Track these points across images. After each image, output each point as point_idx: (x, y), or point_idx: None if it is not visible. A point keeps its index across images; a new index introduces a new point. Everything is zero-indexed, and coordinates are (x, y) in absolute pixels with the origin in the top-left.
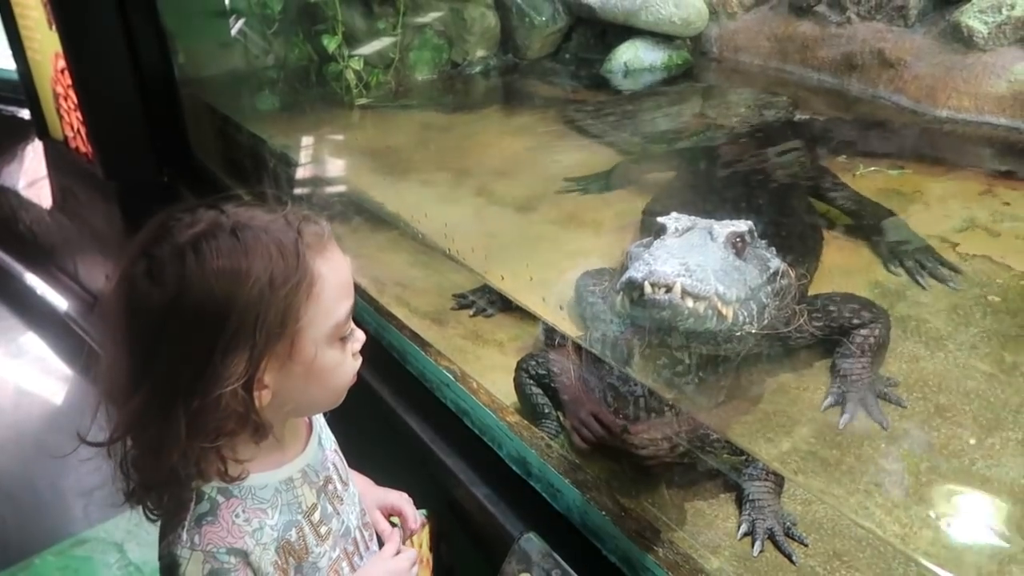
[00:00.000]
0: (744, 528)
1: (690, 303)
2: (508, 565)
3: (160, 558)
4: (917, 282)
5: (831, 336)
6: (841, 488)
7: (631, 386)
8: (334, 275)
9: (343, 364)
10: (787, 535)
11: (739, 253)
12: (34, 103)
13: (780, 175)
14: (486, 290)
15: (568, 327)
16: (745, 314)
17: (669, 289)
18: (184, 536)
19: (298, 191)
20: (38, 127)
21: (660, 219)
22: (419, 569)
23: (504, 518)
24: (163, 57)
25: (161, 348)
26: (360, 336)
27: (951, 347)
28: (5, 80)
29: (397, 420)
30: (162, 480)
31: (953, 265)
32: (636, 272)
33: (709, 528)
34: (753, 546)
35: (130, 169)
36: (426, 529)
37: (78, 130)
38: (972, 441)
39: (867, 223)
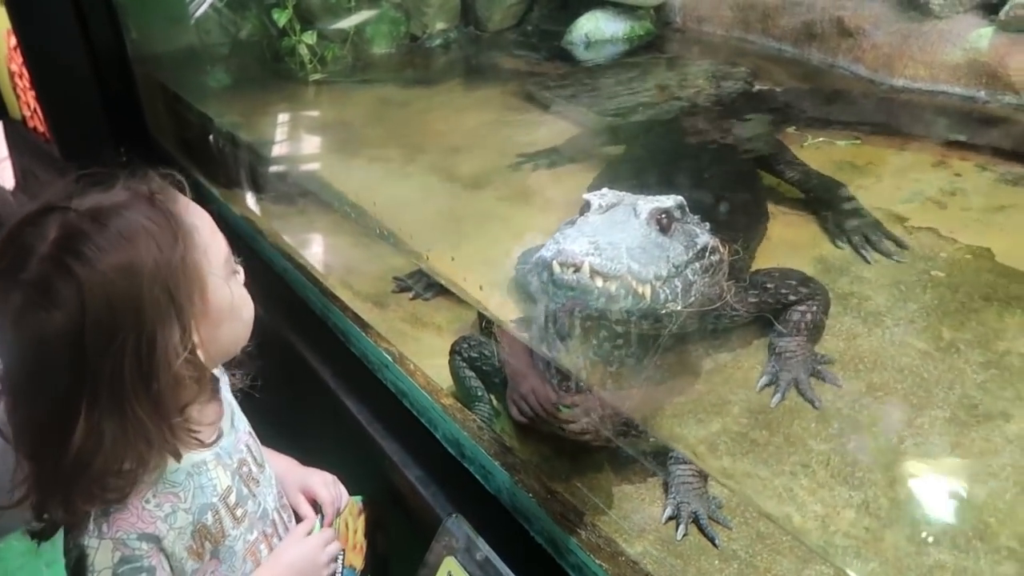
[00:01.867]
0: (669, 512)
1: (600, 282)
2: (435, 546)
3: (66, 552)
4: (862, 256)
5: (768, 313)
6: (767, 469)
7: (557, 368)
8: (198, 218)
9: (244, 294)
10: (711, 518)
11: (664, 229)
12: None
13: (730, 148)
14: (423, 274)
15: (509, 308)
16: (668, 292)
17: (578, 269)
18: (91, 526)
19: (246, 171)
20: None
21: (585, 195)
22: (351, 555)
23: (435, 500)
24: (116, 34)
25: (91, 363)
26: (242, 270)
27: (889, 323)
28: None
29: (338, 402)
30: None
31: (899, 239)
32: (546, 251)
33: (636, 512)
34: (677, 530)
35: (87, 149)
36: (362, 516)
37: (35, 109)
38: (901, 420)
39: (815, 197)
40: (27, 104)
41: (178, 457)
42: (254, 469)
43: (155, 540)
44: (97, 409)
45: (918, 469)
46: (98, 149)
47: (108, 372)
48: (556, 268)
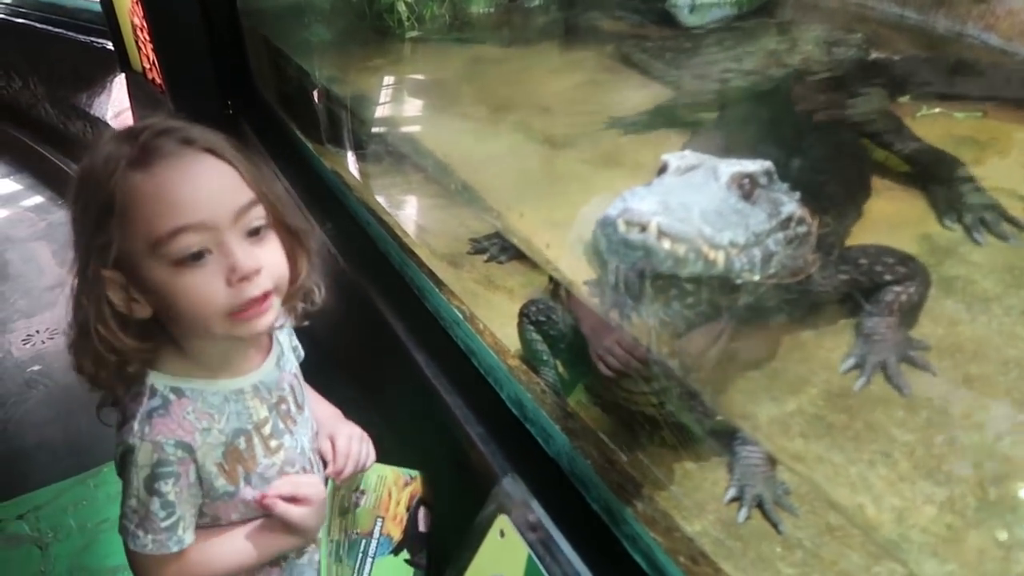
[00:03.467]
0: (732, 493)
1: (667, 244)
2: (489, 504)
3: (116, 446)
4: (973, 239)
5: (860, 290)
6: (843, 455)
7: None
8: (157, 189)
9: (193, 289)
10: (777, 504)
11: (746, 195)
12: (116, 36)
13: (834, 117)
14: (500, 236)
15: (583, 272)
16: (745, 261)
17: (644, 228)
18: (136, 427)
19: (339, 126)
20: (120, 59)
21: (663, 156)
22: (390, 524)
23: (493, 459)
24: None
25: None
26: (239, 265)
27: (997, 311)
28: (96, 13)
29: (409, 356)
30: (104, 371)
31: (1019, 221)
32: (612, 209)
33: (697, 490)
34: (739, 512)
35: (197, 101)
36: (407, 489)
37: (153, 62)
38: (1001, 415)
39: (926, 172)
40: (147, 57)
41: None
42: (293, 409)
43: (189, 449)
44: (73, 269)
45: (1015, 469)
46: (207, 102)
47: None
48: (621, 226)
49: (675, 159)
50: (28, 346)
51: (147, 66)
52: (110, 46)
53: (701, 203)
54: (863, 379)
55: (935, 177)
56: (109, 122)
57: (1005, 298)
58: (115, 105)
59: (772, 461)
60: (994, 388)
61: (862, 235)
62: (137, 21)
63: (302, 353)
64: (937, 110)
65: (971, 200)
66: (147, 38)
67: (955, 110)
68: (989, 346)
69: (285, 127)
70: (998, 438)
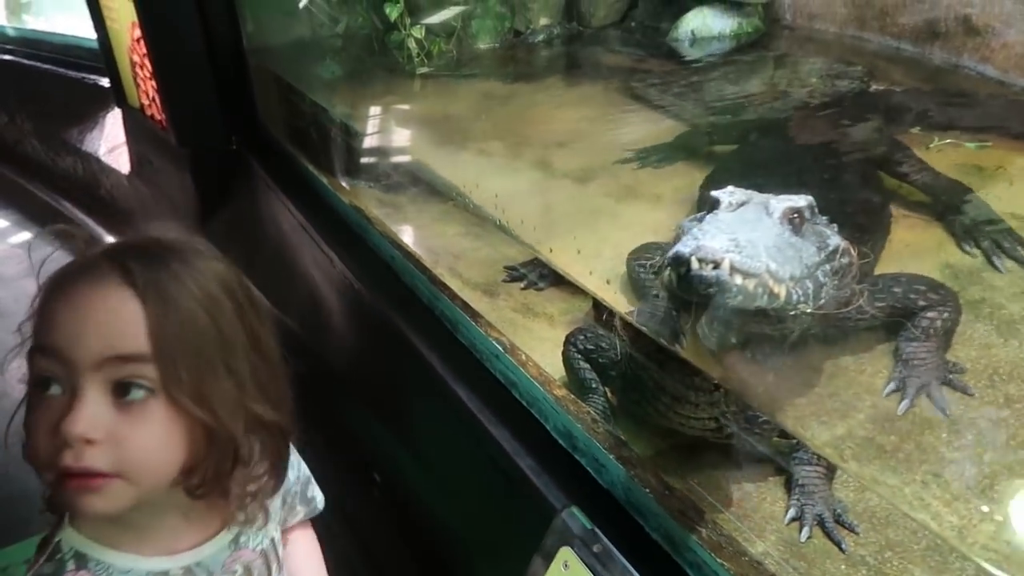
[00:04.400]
0: (792, 513)
1: (739, 280)
2: (548, 539)
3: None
4: (993, 264)
5: (895, 318)
6: (896, 477)
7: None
8: (44, 298)
9: (30, 420)
10: (837, 522)
11: (796, 229)
12: (113, 71)
13: (848, 149)
14: (537, 263)
15: (618, 301)
16: (800, 293)
17: (717, 265)
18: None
19: (356, 160)
20: (116, 95)
21: (714, 192)
22: None
23: (547, 491)
24: (233, 25)
25: None
26: (64, 423)
27: None
28: (88, 49)
29: (447, 390)
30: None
31: None
32: (684, 247)
33: (755, 511)
34: (801, 531)
35: (201, 136)
36: None
37: (153, 98)
38: None
39: (941, 200)
40: (146, 93)
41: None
42: None
43: None
44: None
45: None
46: (211, 137)
47: None
48: (695, 264)
49: (726, 195)
50: (24, 385)
51: (146, 102)
52: (103, 82)
53: (764, 239)
54: (906, 402)
55: (951, 205)
56: (101, 158)
57: None
58: (108, 141)
59: (830, 479)
60: None
61: (887, 263)
62: (137, 59)
63: (319, 506)
64: (948, 140)
65: (987, 227)
66: (147, 75)
67: (963, 140)
68: (1023, 367)
69: (296, 162)
70: None
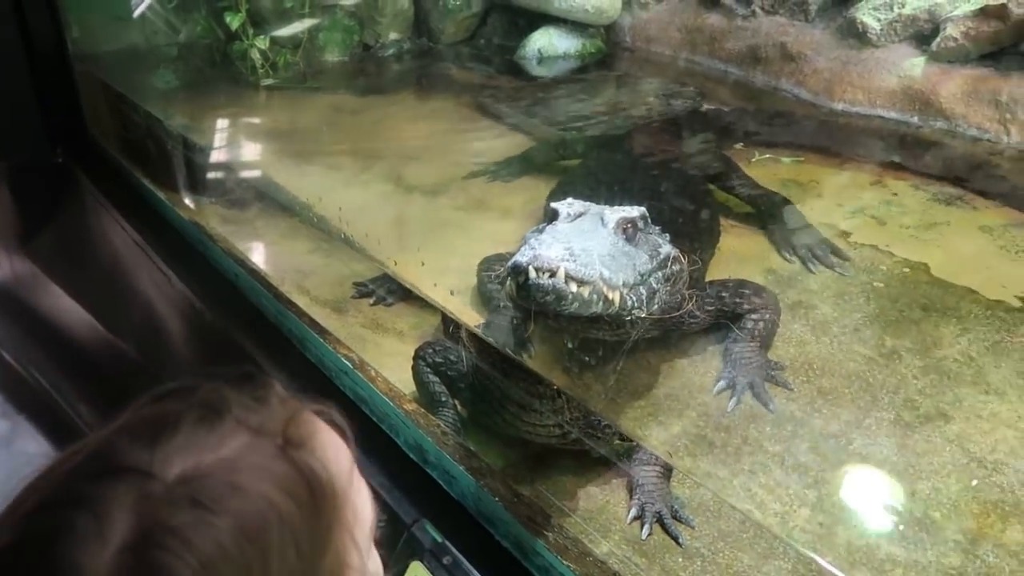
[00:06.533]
0: (634, 512)
1: (574, 287)
2: (401, 552)
3: None
4: (808, 269)
5: (723, 321)
6: (726, 469)
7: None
8: (353, 473)
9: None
10: (675, 518)
11: (630, 238)
12: None
13: (682, 163)
14: (387, 279)
15: (467, 313)
16: (634, 299)
17: (553, 273)
18: None
19: (196, 174)
20: None
21: (553, 204)
22: None
23: (398, 506)
24: (56, 30)
25: None
26: None
27: (836, 331)
28: None
29: None
30: None
31: (843, 253)
32: (522, 256)
33: (601, 513)
34: (642, 530)
35: (20, 148)
36: None
37: None
38: (850, 422)
39: (764, 211)
40: None
41: None
42: None
43: None
44: None
45: (867, 468)
46: (31, 148)
47: None
48: (532, 272)
49: (564, 207)
50: None
51: None
52: None
53: (598, 248)
54: (735, 400)
55: (772, 216)
56: None
57: (841, 320)
58: None
59: (667, 477)
60: (842, 398)
61: (716, 270)
62: None
63: None
64: (767, 156)
65: (803, 236)
66: None
67: (781, 155)
68: (833, 362)
69: (130, 176)
70: (850, 441)
